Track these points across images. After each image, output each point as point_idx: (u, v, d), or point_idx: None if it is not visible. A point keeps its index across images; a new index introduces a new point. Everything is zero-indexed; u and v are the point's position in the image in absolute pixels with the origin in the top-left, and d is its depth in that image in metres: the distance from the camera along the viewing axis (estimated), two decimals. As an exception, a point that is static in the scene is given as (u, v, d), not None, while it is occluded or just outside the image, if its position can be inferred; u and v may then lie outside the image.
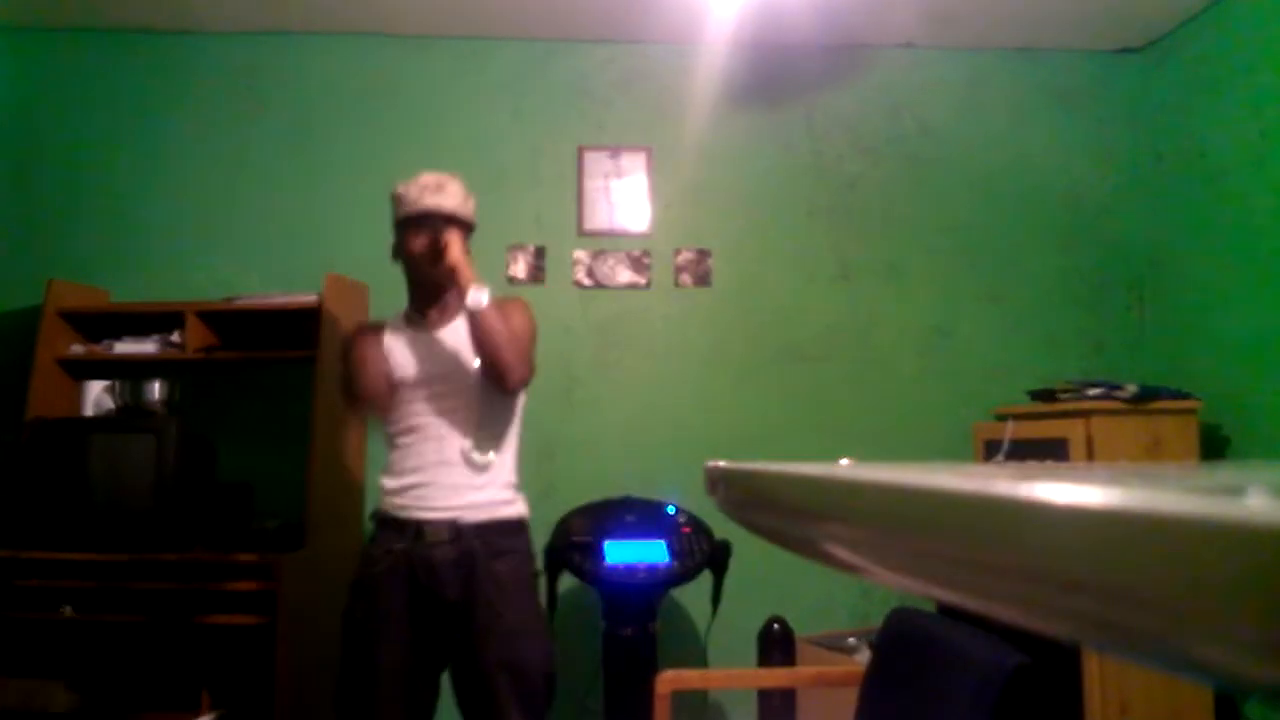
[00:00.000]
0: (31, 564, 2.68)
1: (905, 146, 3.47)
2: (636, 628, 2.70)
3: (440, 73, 3.40)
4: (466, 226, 2.09)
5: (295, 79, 3.37)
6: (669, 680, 2.16)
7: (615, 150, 3.39)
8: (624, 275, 3.35)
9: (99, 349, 3.01)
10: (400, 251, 2.10)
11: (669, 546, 2.72)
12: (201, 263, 3.24)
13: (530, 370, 2.04)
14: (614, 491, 2.94)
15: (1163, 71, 3.42)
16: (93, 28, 3.31)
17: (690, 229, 3.39)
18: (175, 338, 2.99)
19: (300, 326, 2.90)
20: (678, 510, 2.87)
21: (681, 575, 2.70)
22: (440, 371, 2.03)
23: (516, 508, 2.06)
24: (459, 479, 1.99)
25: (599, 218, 3.37)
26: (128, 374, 2.96)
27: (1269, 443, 2.83)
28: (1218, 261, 3.12)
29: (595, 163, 3.38)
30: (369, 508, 3.14)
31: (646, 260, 3.36)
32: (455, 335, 2.05)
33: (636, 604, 2.71)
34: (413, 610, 1.94)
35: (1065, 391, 2.94)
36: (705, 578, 2.78)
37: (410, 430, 2.02)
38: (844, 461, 0.33)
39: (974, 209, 3.47)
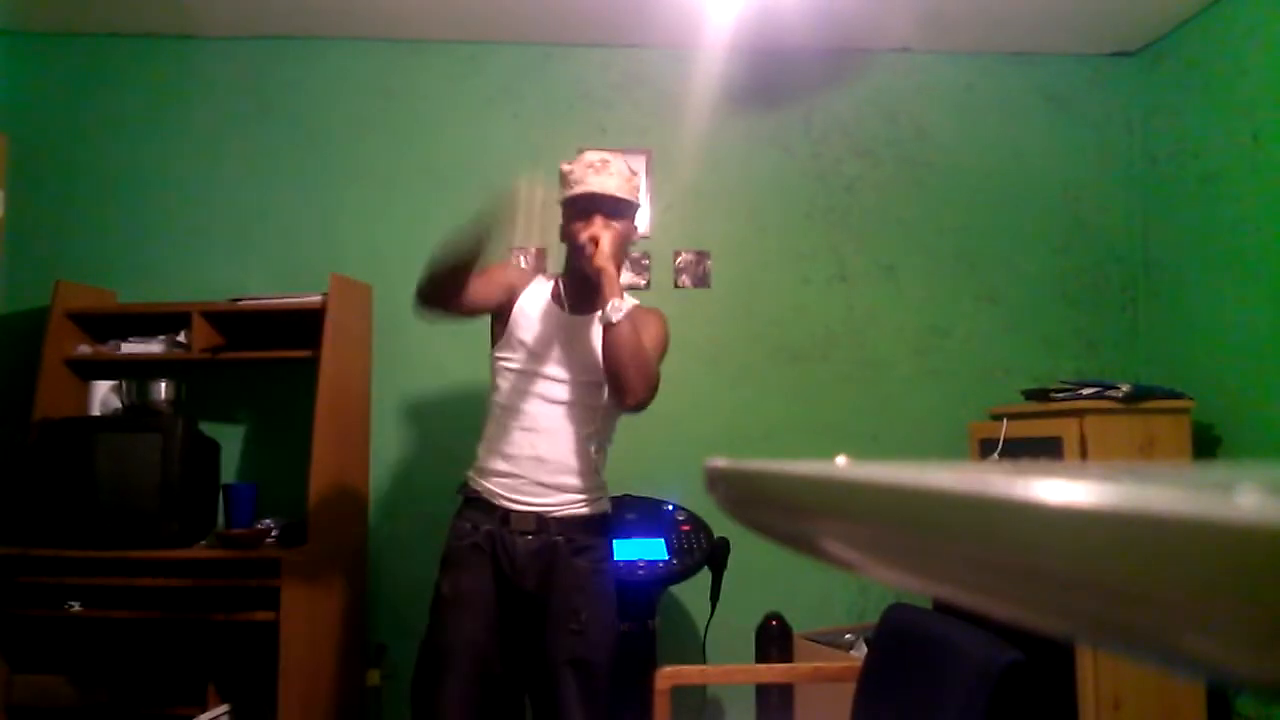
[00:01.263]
0: (39, 561, 2.70)
1: (902, 149, 3.50)
2: (636, 624, 2.72)
3: (441, 76, 3.43)
4: (630, 209, 2.06)
5: (299, 83, 3.39)
6: (668, 676, 2.18)
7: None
8: (624, 277, 3.37)
9: (106, 349, 3.04)
10: (563, 233, 2.07)
11: (668, 544, 2.75)
12: (207, 264, 3.26)
13: (651, 393, 1.99)
14: (613, 490, 2.95)
15: (1157, 75, 3.45)
16: (99, 33, 3.33)
17: (689, 231, 3.42)
18: (181, 338, 3.01)
19: (304, 327, 2.93)
20: (677, 508, 2.90)
21: (680, 572, 2.72)
22: (566, 359, 1.99)
23: (602, 504, 2.06)
24: (553, 477, 1.96)
25: (599, 219, 3.39)
26: (134, 374, 2.98)
27: (1261, 442, 2.86)
28: (1211, 263, 3.14)
29: (596, 165, 3.40)
30: (372, 506, 3.19)
31: (646, 262, 3.39)
32: (594, 328, 2.00)
33: (636, 600, 2.73)
34: (496, 592, 1.95)
35: (1059, 391, 2.97)
36: (704, 575, 2.80)
37: (515, 412, 1.97)
38: (840, 459, 0.33)
39: (970, 211, 3.50)
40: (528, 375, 1.98)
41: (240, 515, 2.94)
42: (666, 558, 2.70)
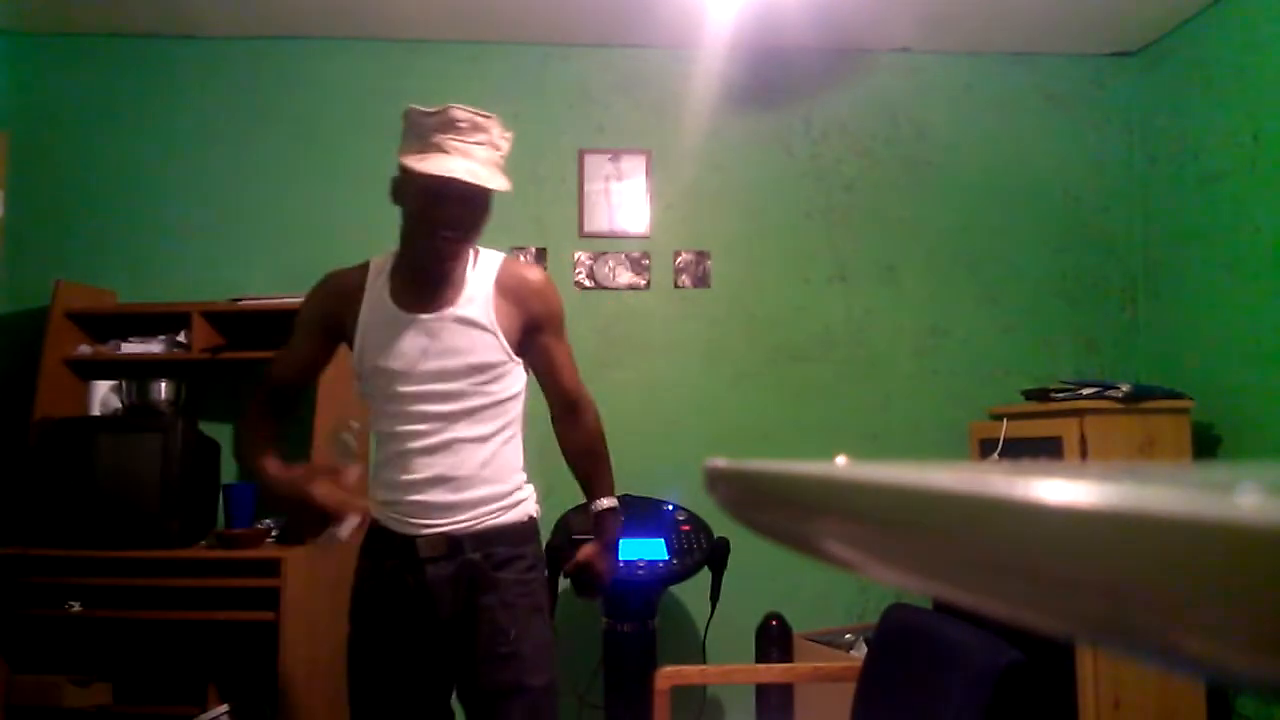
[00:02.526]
0: (39, 561, 2.70)
1: (902, 149, 3.50)
2: (636, 624, 2.72)
3: (441, 76, 3.43)
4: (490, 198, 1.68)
5: (299, 83, 3.40)
6: (668, 676, 2.18)
7: (615, 153, 3.42)
8: (624, 277, 3.38)
9: (106, 349, 3.04)
10: (407, 206, 1.70)
11: (668, 544, 2.75)
12: (207, 264, 3.27)
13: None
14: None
15: (1156, 75, 3.45)
16: (100, 33, 3.33)
17: (689, 231, 3.42)
18: (181, 338, 3.02)
19: (304, 327, 2.92)
20: (677, 508, 2.90)
21: (680, 572, 2.73)
22: (435, 366, 1.69)
23: (523, 508, 1.79)
24: (462, 493, 1.70)
25: (599, 220, 3.40)
26: (134, 374, 2.98)
27: (1261, 442, 2.86)
28: (1211, 263, 3.15)
29: (595, 165, 3.41)
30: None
31: (646, 262, 3.39)
32: (458, 320, 1.71)
33: (636, 601, 2.73)
34: (409, 631, 1.72)
35: (1059, 391, 2.97)
36: (704, 575, 2.81)
37: (402, 437, 1.70)
38: (840, 459, 0.33)
39: (969, 211, 3.50)
40: (400, 397, 1.69)
41: (240, 515, 2.94)
42: (666, 558, 2.70)
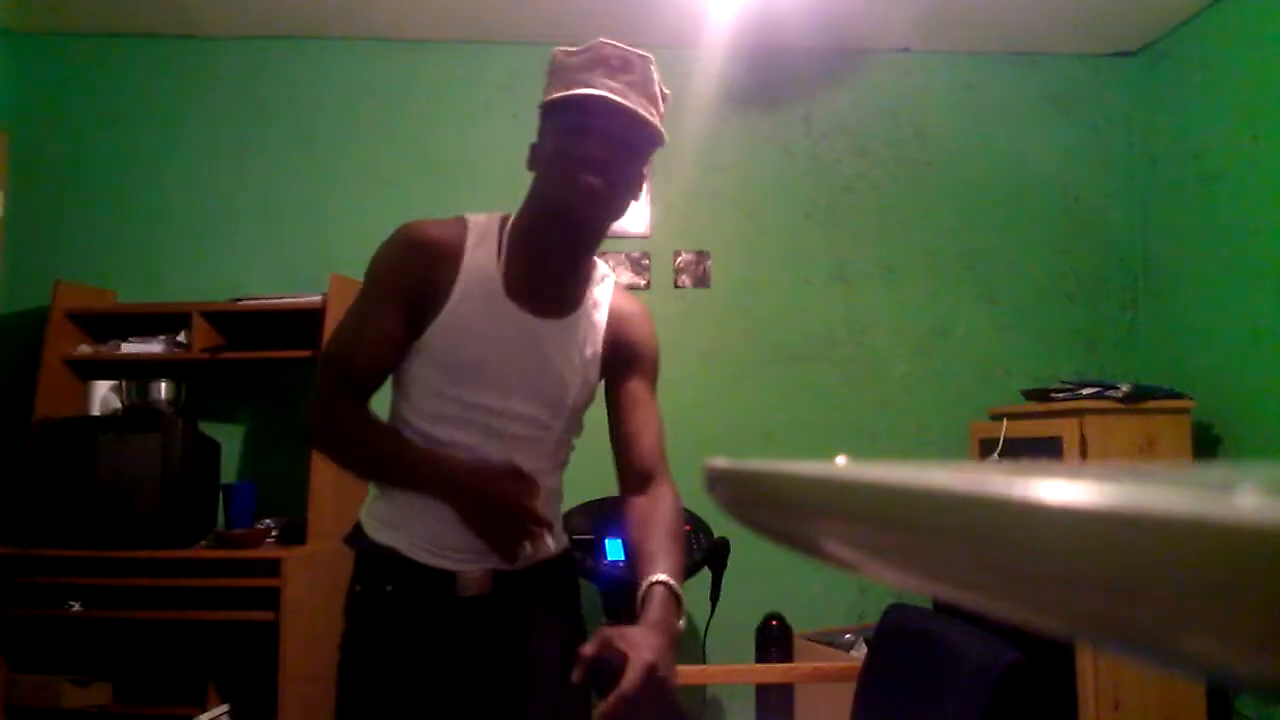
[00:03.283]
0: (39, 561, 2.70)
1: (902, 149, 3.50)
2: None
3: (441, 76, 3.43)
4: (650, 144, 1.39)
5: (299, 83, 3.40)
6: (669, 675, 2.18)
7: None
8: (624, 277, 3.38)
9: (106, 349, 3.04)
10: (537, 154, 1.35)
11: (668, 544, 2.75)
12: (207, 264, 3.27)
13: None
14: (614, 490, 2.95)
15: (1157, 75, 3.45)
16: (99, 33, 3.34)
17: (689, 231, 3.42)
18: (181, 338, 3.02)
19: (305, 327, 2.93)
20: (677, 508, 2.89)
21: (681, 572, 2.72)
22: (532, 386, 1.36)
23: (562, 539, 1.53)
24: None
25: (599, 219, 3.39)
26: (134, 374, 2.99)
27: (1261, 442, 2.86)
28: (1211, 263, 3.15)
29: (595, 165, 3.40)
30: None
31: (646, 262, 3.39)
32: (571, 336, 1.40)
33: (636, 600, 2.73)
34: (431, 668, 1.36)
35: (1059, 391, 2.97)
36: (704, 575, 2.81)
37: (454, 447, 1.33)
38: (840, 459, 0.33)
39: (970, 211, 3.50)
40: (478, 408, 1.33)
41: (240, 515, 2.94)
42: (666, 558, 2.70)
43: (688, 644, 3.10)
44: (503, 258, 1.35)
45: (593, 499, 2.91)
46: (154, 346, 3.03)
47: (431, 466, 1.32)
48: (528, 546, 1.32)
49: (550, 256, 1.36)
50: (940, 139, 3.51)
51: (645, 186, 3.44)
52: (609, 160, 1.29)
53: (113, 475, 2.79)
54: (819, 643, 2.87)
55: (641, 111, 1.31)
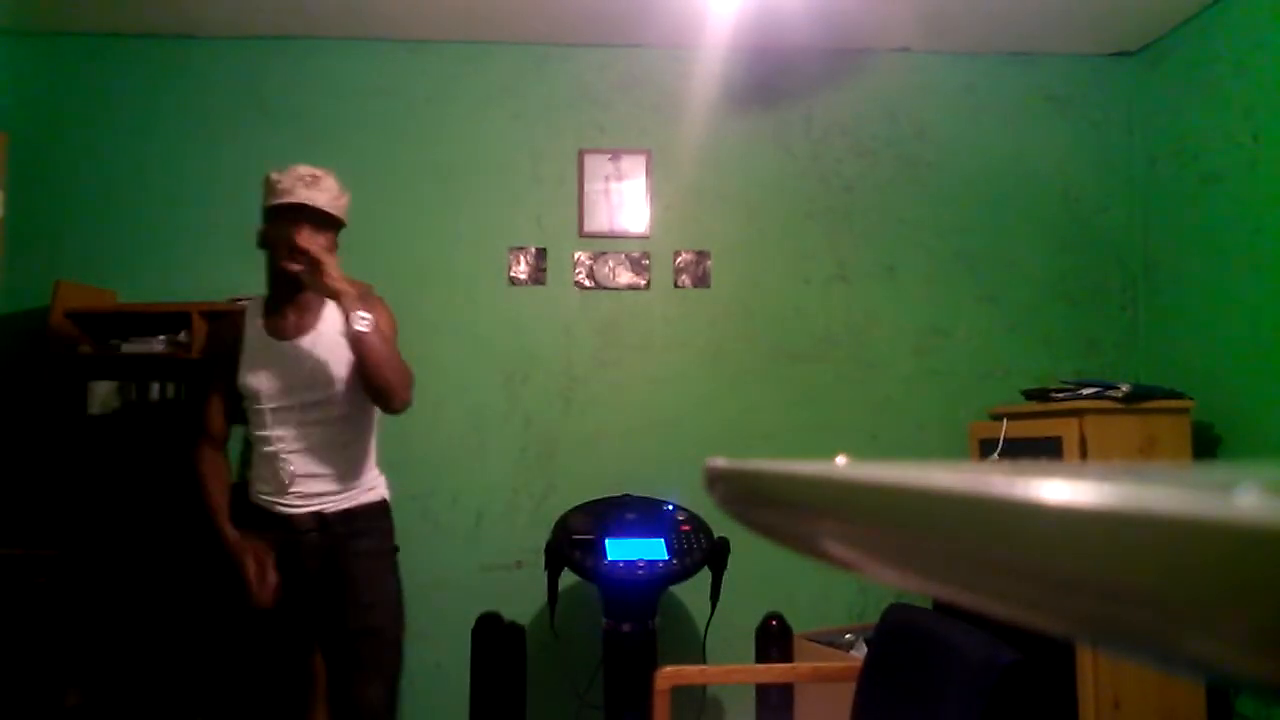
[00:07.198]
0: (39, 561, 2.70)
1: (902, 149, 3.50)
2: (636, 624, 2.72)
3: (441, 76, 3.43)
4: (336, 225, 2.13)
5: (298, 83, 3.40)
6: (668, 676, 2.18)
7: (615, 153, 3.42)
8: (624, 276, 3.38)
9: (106, 349, 3.04)
10: (265, 241, 2.09)
11: (668, 544, 2.75)
12: (207, 264, 3.26)
13: (411, 390, 2.06)
14: (614, 490, 2.97)
15: (1156, 75, 3.45)
16: (99, 33, 3.33)
17: (689, 231, 3.42)
18: (181, 338, 3.01)
19: (304, 327, 2.92)
20: (677, 508, 2.90)
21: (681, 572, 2.73)
22: (303, 386, 2.03)
23: (377, 492, 2.14)
24: (323, 485, 2.05)
25: (599, 220, 3.40)
26: (134, 374, 2.98)
27: (1261, 442, 2.86)
28: (1211, 263, 3.15)
29: (595, 165, 3.41)
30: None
31: (646, 262, 3.39)
32: (317, 346, 2.05)
33: (636, 600, 2.73)
34: (288, 585, 2.04)
35: (1059, 391, 2.97)
36: (704, 575, 2.81)
37: (272, 441, 2.04)
38: (840, 459, 0.33)
39: (970, 211, 3.50)
40: (274, 413, 2.04)
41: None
42: (666, 558, 2.70)
43: (688, 644, 3.10)
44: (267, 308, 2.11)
45: (592, 499, 2.92)
46: (154, 347, 3.02)
47: (217, 522, 2.07)
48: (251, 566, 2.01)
49: (285, 294, 2.10)
50: (940, 139, 3.51)
51: (645, 186, 3.46)
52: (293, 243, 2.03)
53: (113, 475, 2.79)
54: (819, 643, 2.87)
55: (327, 208, 2.09)
